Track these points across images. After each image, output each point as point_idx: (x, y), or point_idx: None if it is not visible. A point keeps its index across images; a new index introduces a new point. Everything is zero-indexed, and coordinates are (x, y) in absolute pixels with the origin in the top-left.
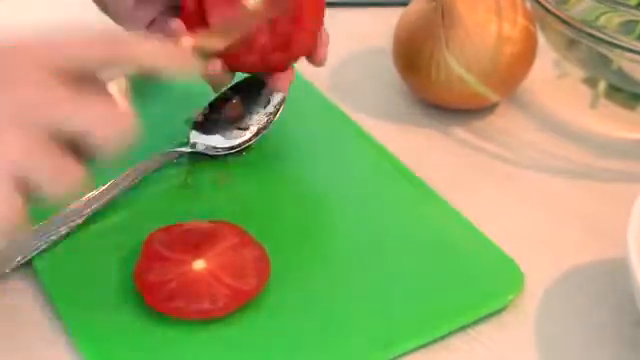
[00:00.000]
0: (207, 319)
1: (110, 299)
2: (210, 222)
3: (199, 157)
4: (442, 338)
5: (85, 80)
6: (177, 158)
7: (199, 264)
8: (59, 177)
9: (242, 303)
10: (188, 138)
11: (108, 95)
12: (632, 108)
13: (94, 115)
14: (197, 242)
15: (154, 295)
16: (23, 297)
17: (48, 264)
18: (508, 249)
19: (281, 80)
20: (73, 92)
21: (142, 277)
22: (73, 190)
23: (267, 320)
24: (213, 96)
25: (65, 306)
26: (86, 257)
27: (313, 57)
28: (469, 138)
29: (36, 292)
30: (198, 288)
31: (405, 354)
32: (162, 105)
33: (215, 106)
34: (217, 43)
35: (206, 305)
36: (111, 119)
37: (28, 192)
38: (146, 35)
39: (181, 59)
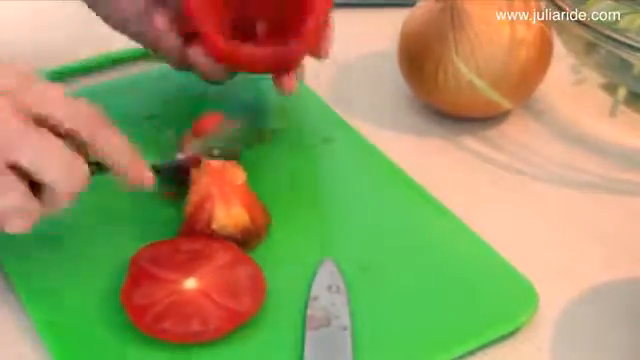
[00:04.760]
0: (198, 342)
1: (95, 319)
2: (202, 238)
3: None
4: None
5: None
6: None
7: (190, 283)
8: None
9: (236, 325)
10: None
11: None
12: None
13: (54, 158)
14: (188, 260)
15: (141, 316)
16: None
17: (27, 280)
18: (521, 267)
19: (288, 80)
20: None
21: (129, 297)
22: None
23: (262, 343)
24: None
25: (45, 324)
26: (70, 273)
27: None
28: (479, 148)
29: (13, 307)
30: (188, 309)
31: None
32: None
33: None
34: None
35: (197, 327)
36: (70, 169)
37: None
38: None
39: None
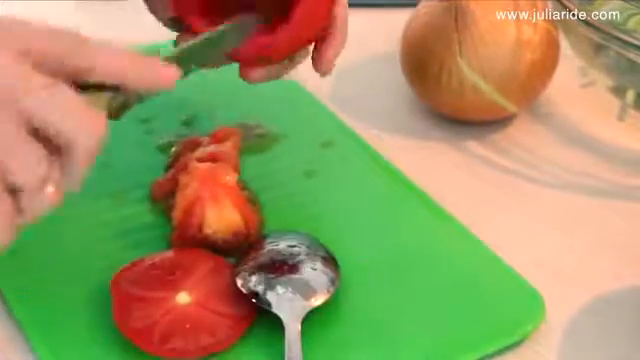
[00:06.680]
0: (209, 355)
1: (93, 340)
2: (174, 251)
3: None
4: None
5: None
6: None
7: (182, 298)
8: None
9: (243, 329)
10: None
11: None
12: None
13: (68, 108)
14: (169, 275)
15: (145, 340)
16: None
17: (19, 288)
18: (528, 275)
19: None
20: (46, 79)
21: (124, 323)
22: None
23: (262, 349)
24: None
25: (37, 333)
26: (64, 280)
27: (317, 58)
28: (484, 153)
29: (11, 330)
30: (189, 324)
31: None
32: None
33: None
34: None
35: (207, 340)
36: (86, 118)
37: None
38: (116, 48)
39: (152, 73)
